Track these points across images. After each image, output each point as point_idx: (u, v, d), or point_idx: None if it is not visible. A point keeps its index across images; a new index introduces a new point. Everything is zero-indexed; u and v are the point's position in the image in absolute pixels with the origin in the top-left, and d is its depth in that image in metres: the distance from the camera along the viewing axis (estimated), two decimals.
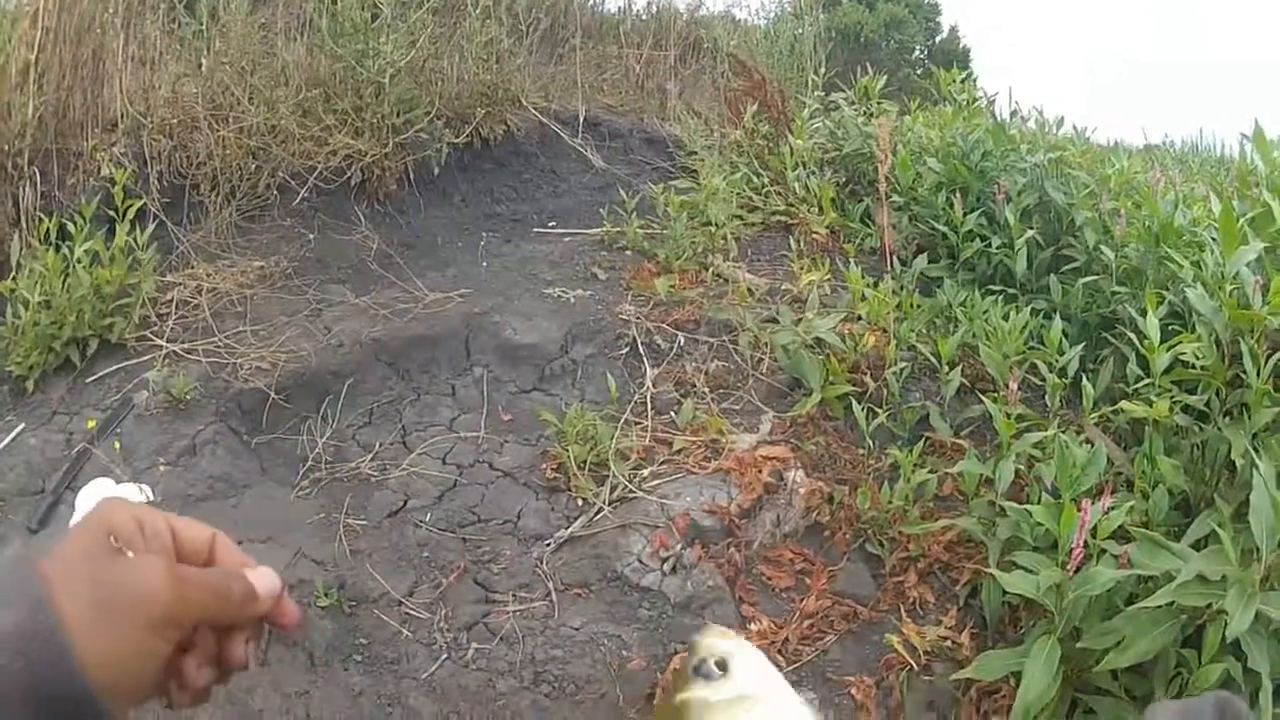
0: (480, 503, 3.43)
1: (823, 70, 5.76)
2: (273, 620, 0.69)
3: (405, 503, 3.45)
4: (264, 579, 0.68)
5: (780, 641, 2.92)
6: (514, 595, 3.12)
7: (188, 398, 3.66)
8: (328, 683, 2.85)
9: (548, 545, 3.22)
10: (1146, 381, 3.02)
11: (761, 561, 3.15)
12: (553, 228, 4.95)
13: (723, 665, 0.61)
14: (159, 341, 3.94)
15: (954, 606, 2.99)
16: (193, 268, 4.45)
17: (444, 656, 2.96)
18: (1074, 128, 4.97)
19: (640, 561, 3.11)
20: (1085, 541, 2.33)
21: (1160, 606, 2.29)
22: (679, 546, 3.10)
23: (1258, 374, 2.67)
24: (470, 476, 3.52)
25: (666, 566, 3.08)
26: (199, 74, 5.06)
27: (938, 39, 11.00)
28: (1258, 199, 3.30)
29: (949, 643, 2.82)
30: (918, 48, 10.48)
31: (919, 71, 6.38)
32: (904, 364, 3.54)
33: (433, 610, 3.10)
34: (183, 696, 0.64)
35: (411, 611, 3.08)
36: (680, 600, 3.02)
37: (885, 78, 5.79)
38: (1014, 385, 3.08)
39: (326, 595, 3.04)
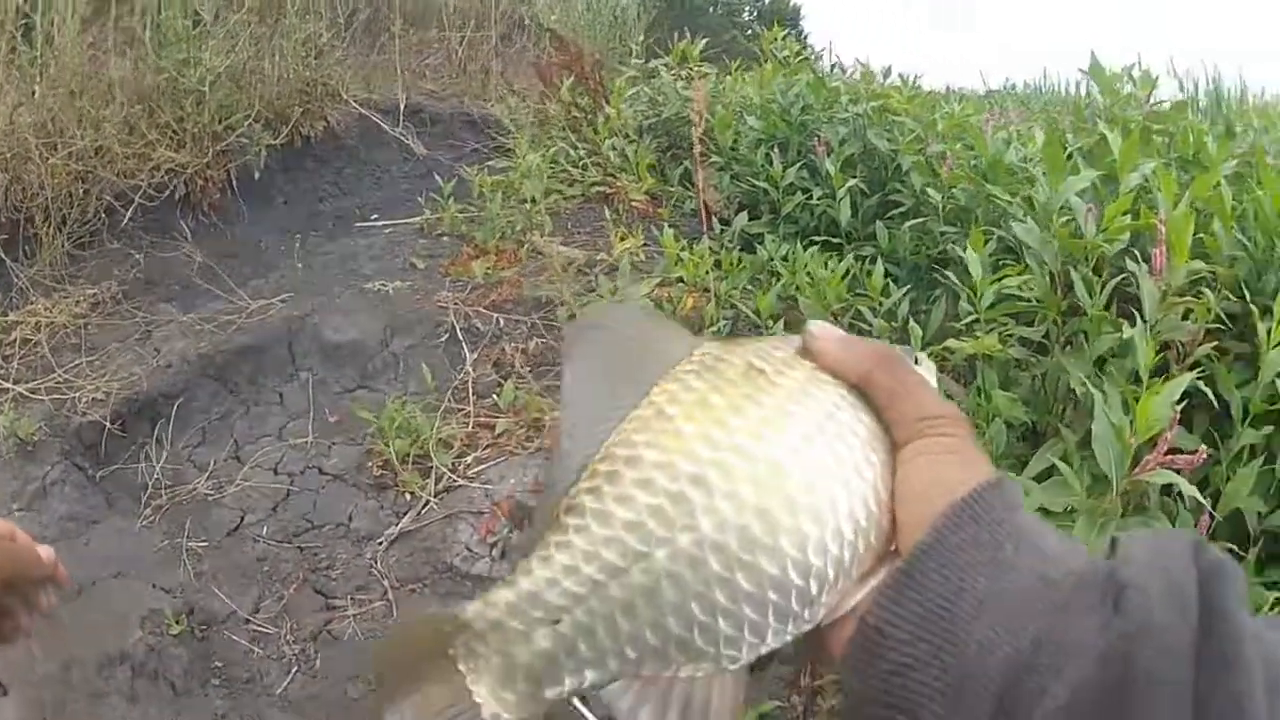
0: (313, 509, 3.32)
1: (642, 38, 5.67)
2: (55, 579, 0.96)
3: (242, 518, 3.34)
4: (47, 551, 0.94)
5: None
6: (352, 599, 3.04)
7: (35, 439, 3.49)
8: (191, 710, 2.77)
9: (380, 544, 3.13)
10: (975, 317, 2.97)
11: None
12: (374, 220, 4.79)
13: (917, 362, 0.63)
14: (6, 384, 3.77)
15: None
16: (32, 303, 4.26)
17: (294, 669, 2.88)
18: (900, 76, 4.93)
19: (469, 550, 3.02)
20: None
21: None
22: (505, 530, 3.01)
23: (1092, 301, 2.60)
24: (302, 484, 3.41)
25: (495, 552, 2.99)
26: (33, 102, 4.85)
27: (767, 0, 10.86)
28: (1094, 130, 3.25)
29: None
30: (747, 10, 10.33)
31: (748, 34, 6.25)
32: (725, 322, 3.43)
33: (278, 624, 3.02)
34: (8, 627, 0.92)
35: (259, 628, 3.00)
36: None
37: (705, 41, 5.62)
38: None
39: (177, 622, 2.93)
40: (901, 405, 0.55)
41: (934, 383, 0.63)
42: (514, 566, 0.52)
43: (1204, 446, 2.00)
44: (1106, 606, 0.43)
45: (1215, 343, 2.43)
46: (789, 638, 0.50)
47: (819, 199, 4.11)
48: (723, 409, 0.52)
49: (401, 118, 5.19)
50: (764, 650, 0.50)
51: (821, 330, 0.58)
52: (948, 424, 0.54)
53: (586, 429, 0.54)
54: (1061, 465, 2.19)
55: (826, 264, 3.45)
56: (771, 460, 0.51)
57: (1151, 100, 3.40)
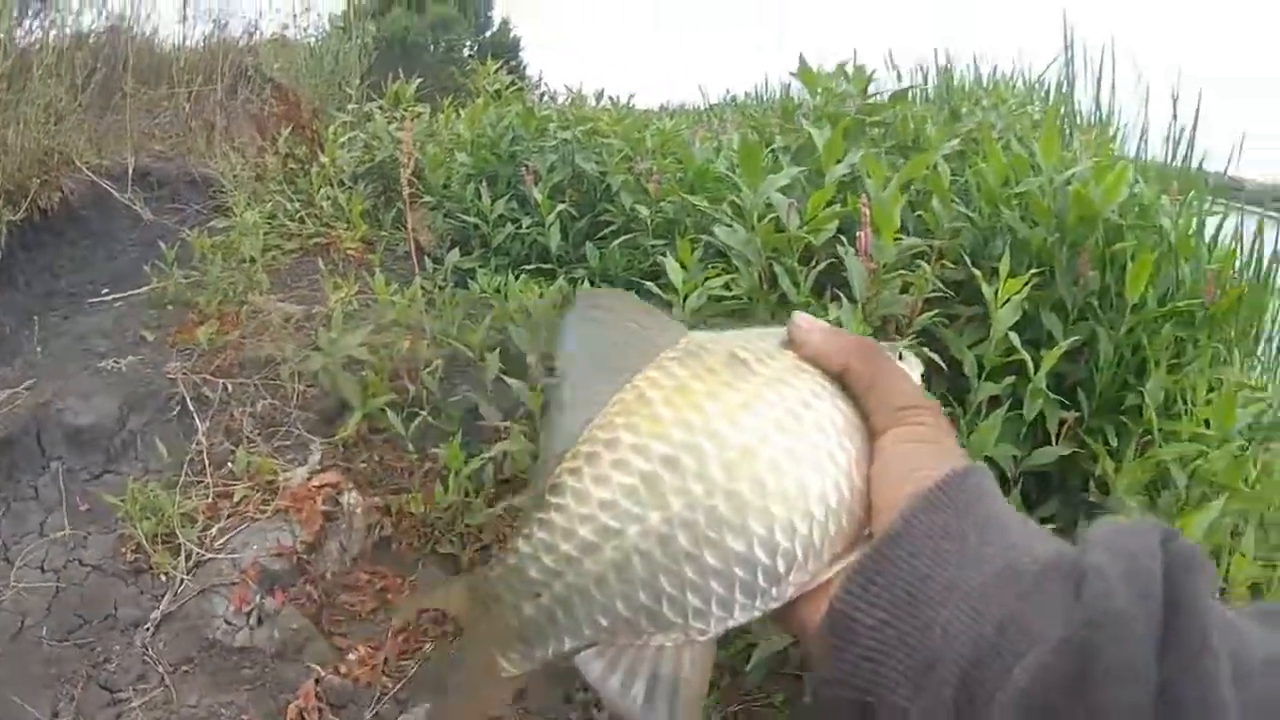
0: (82, 604, 3.25)
1: (358, 82, 5.55)
2: None
3: (23, 622, 3.22)
4: None
5: (381, 663, 2.93)
6: (134, 689, 2.97)
7: None
8: None
9: (147, 630, 3.10)
10: (684, 320, 3.04)
11: (342, 590, 3.12)
12: (106, 295, 4.60)
13: (901, 357, 0.66)
14: None
15: None
16: None
17: None
18: (610, 99, 4.97)
19: (228, 622, 3.01)
20: None
21: None
22: (257, 598, 3.07)
23: (798, 291, 2.62)
24: (67, 579, 3.35)
25: (252, 621, 3.02)
26: None
27: (489, 34, 10.63)
28: (801, 130, 3.25)
29: None
30: (467, 45, 10.08)
31: (466, 69, 6.13)
32: (440, 361, 3.45)
33: None
34: None
35: None
36: (275, 650, 2.95)
37: (420, 80, 5.62)
38: (535, 359, 3.11)
39: None
40: (879, 394, 0.57)
41: (917, 378, 0.65)
42: (510, 539, 0.57)
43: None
44: (1068, 593, 0.43)
45: (938, 310, 2.55)
46: (757, 613, 0.53)
47: (529, 228, 4.11)
48: (700, 395, 0.55)
49: (130, 183, 4.95)
50: (732, 624, 0.53)
51: (806, 322, 0.61)
52: (924, 414, 0.56)
53: (580, 408, 0.57)
54: None
55: (539, 290, 3.52)
56: (743, 445, 0.53)
57: (870, 94, 3.45)
